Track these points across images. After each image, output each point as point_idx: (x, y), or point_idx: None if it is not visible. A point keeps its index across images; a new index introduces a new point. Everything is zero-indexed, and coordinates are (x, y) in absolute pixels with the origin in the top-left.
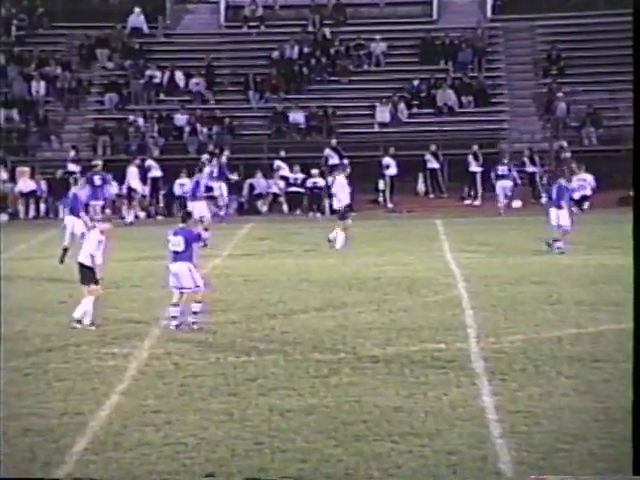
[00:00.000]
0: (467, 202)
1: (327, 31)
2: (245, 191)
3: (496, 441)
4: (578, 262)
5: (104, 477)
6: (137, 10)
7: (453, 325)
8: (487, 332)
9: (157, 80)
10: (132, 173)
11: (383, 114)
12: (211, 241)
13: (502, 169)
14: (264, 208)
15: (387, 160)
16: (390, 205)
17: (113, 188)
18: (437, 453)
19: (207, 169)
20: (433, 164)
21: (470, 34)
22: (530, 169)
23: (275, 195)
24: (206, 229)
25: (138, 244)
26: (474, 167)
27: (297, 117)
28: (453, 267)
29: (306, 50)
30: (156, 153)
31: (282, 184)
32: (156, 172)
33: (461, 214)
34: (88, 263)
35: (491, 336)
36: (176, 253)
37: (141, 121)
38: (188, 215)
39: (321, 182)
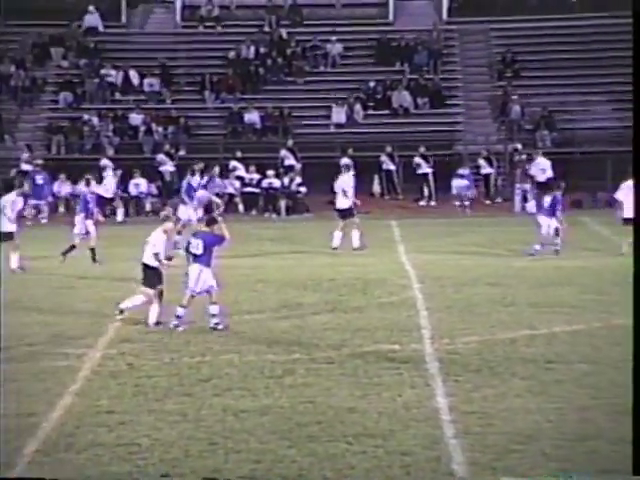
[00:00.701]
0: (422, 203)
1: (283, 32)
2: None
3: (450, 442)
4: (533, 264)
5: (57, 478)
6: (91, 8)
7: (408, 326)
8: (442, 333)
9: (112, 79)
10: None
11: (339, 115)
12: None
13: (462, 170)
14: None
15: (345, 160)
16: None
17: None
18: (391, 454)
19: (197, 178)
20: (389, 165)
21: (426, 36)
22: (486, 170)
23: (231, 195)
24: (180, 232)
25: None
26: (424, 169)
27: (253, 117)
28: (408, 268)
29: (262, 50)
30: (111, 152)
31: (238, 184)
32: (111, 171)
33: (417, 215)
34: (153, 264)
35: (445, 337)
36: (194, 255)
37: (96, 120)
38: (213, 221)
39: (276, 183)
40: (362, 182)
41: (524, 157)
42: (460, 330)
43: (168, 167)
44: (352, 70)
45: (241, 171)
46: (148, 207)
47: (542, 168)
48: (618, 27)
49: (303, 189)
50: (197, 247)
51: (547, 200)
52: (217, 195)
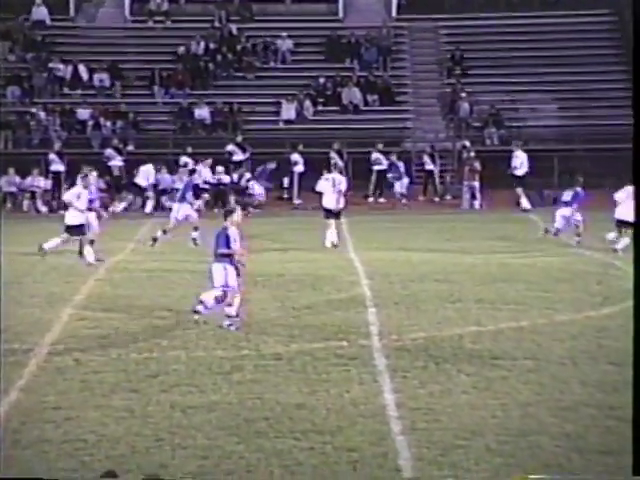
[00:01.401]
0: (371, 200)
1: (233, 27)
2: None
3: (396, 438)
4: (480, 261)
5: (2, 475)
6: (39, 1)
7: (356, 323)
8: (389, 329)
9: (60, 73)
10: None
11: (288, 111)
12: (115, 236)
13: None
14: (168, 203)
15: (295, 157)
16: (296, 202)
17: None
18: (338, 450)
19: (207, 172)
20: (337, 162)
21: (375, 33)
22: (429, 167)
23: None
24: (196, 228)
25: (41, 238)
26: (383, 165)
27: (202, 113)
28: (357, 265)
29: (212, 46)
30: (58, 147)
31: (187, 180)
32: (58, 166)
33: (365, 212)
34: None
35: (393, 333)
36: (217, 253)
37: (43, 115)
38: (230, 212)
39: (226, 178)
40: (311, 179)
41: (472, 154)
42: (408, 326)
43: (116, 162)
44: (302, 66)
45: (191, 167)
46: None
47: (521, 162)
48: (566, 26)
49: (252, 185)
50: (219, 244)
51: (567, 194)
52: (165, 191)
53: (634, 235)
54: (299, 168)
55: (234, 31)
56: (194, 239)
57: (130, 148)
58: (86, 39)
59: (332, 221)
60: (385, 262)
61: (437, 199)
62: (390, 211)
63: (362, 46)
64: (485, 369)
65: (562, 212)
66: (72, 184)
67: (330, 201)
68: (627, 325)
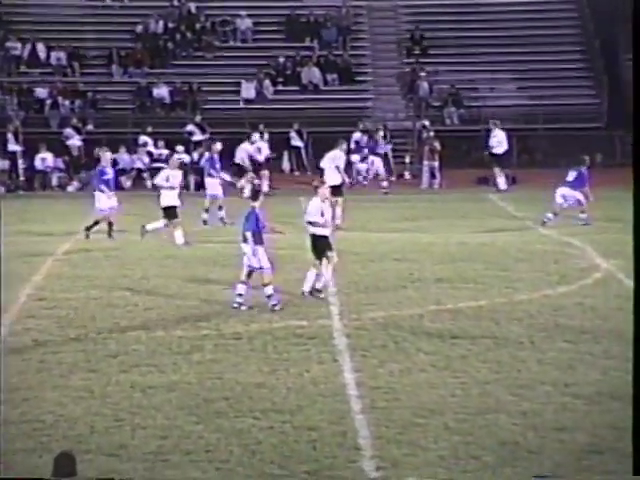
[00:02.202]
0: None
1: (192, 6)
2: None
3: (356, 417)
4: (439, 240)
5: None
6: None
7: (316, 302)
8: (349, 309)
9: (17, 52)
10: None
11: (248, 91)
12: (73, 217)
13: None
14: (127, 183)
15: (255, 137)
16: (257, 182)
17: None
18: (297, 429)
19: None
20: (297, 142)
21: (335, 12)
22: (383, 147)
23: (139, 170)
24: (220, 207)
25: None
26: (297, 142)
27: (161, 92)
28: None
29: (171, 25)
30: (14, 126)
31: (146, 159)
32: (14, 146)
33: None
34: (319, 232)
35: (353, 313)
36: (246, 234)
37: (0, 94)
38: (257, 194)
39: (186, 158)
40: (272, 158)
41: (432, 134)
42: (367, 306)
43: (75, 141)
44: (261, 45)
45: (150, 146)
46: (55, 182)
47: (499, 140)
48: (524, 6)
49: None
50: (247, 225)
51: (572, 174)
52: (124, 171)
53: (634, 234)
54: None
55: (193, 10)
56: (221, 218)
57: (89, 127)
58: (43, 17)
59: (336, 198)
60: (344, 241)
61: (393, 179)
62: (349, 191)
63: (322, 25)
64: (444, 348)
65: (561, 191)
66: (31, 164)
67: (334, 178)
68: (583, 303)
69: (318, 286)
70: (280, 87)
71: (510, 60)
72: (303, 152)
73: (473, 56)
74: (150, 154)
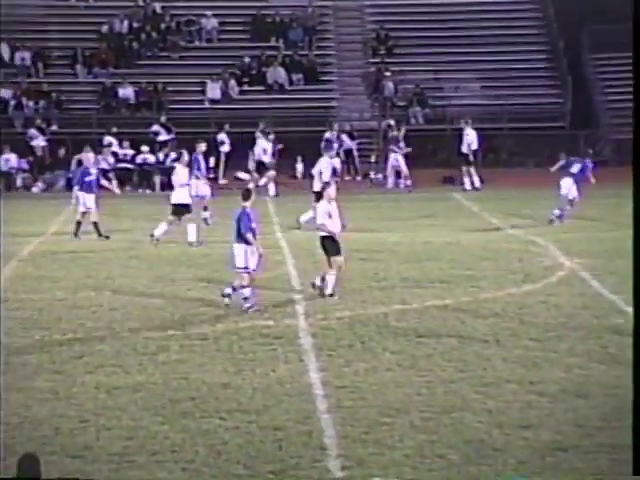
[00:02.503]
0: (347, 178)
1: (157, 6)
2: (73, 166)
3: (322, 416)
4: (404, 239)
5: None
6: None
7: (282, 302)
8: (315, 309)
9: None
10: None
11: (214, 91)
12: (39, 218)
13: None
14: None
15: (221, 136)
16: (222, 181)
17: None
18: (263, 429)
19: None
20: (263, 142)
21: (301, 12)
22: (348, 145)
23: (104, 171)
24: (205, 207)
25: None
26: (348, 144)
27: (126, 92)
28: (283, 244)
29: (136, 25)
30: None
31: (112, 160)
32: None
33: (292, 191)
34: (326, 234)
35: (319, 313)
36: (239, 234)
37: None
38: (249, 193)
39: (151, 158)
40: (238, 158)
41: (397, 133)
42: (333, 305)
43: (40, 142)
44: (227, 45)
45: (115, 147)
46: (19, 182)
47: (471, 139)
48: (488, 6)
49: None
50: (240, 225)
51: (576, 166)
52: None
53: (634, 234)
54: (225, 148)
55: (158, 9)
56: (205, 219)
57: (53, 128)
58: (7, 17)
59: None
60: (311, 241)
61: (359, 178)
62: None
63: (287, 25)
64: (410, 347)
65: (564, 182)
66: None
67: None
68: (547, 301)
69: (327, 290)
70: (246, 87)
71: (475, 60)
72: (269, 151)
73: (438, 55)
74: (115, 154)
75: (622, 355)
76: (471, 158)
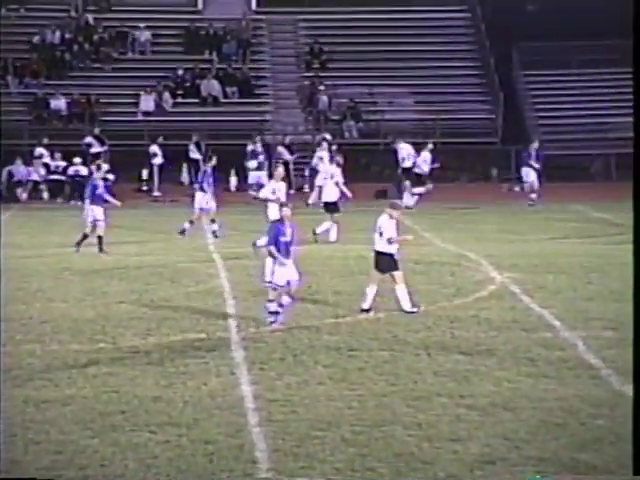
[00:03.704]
0: (233, 191)
1: (90, 17)
2: (4, 178)
3: (253, 430)
4: (338, 253)
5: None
6: None
7: (214, 315)
8: (248, 322)
9: None
10: None
11: (147, 103)
12: None
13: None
14: (24, 196)
15: (154, 148)
16: (156, 194)
17: None
18: (194, 442)
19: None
20: (195, 154)
21: (235, 25)
22: (286, 157)
23: (35, 182)
24: (213, 220)
25: None
26: (286, 157)
27: (58, 104)
28: (216, 257)
29: (68, 36)
30: None
31: (43, 171)
32: None
33: (225, 204)
34: (386, 250)
35: (251, 326)
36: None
37: None
38: (282, 205)
39: (83, 170)
40: (171, 171)
41: (334, 147)
42: (266, 318)
43: None
44: (161, 58)
45: (46, 158)
46: None
47: (407, 153)
48: (422, 21)
49: (110, 177)
50: (272, 238)
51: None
52: (20, 183)
53: (634, 233)
54: (158, 160)
55: (91, 21)
56: (214, 231)
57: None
58: None
59: (333, 215)
60: (243, 254)
61: (292, 191)
62: (249, 203)
63: (221, 38)
64: (342, 360)
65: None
66: None
67: (330, 194)
68: (478, 315)
69: (364, 306)
70: (179, 99)
71: (408, 75)
72: (201, 165)
73: (372, 70)
74: (47, 166)
75: (550, 369)
76: (410, 172)
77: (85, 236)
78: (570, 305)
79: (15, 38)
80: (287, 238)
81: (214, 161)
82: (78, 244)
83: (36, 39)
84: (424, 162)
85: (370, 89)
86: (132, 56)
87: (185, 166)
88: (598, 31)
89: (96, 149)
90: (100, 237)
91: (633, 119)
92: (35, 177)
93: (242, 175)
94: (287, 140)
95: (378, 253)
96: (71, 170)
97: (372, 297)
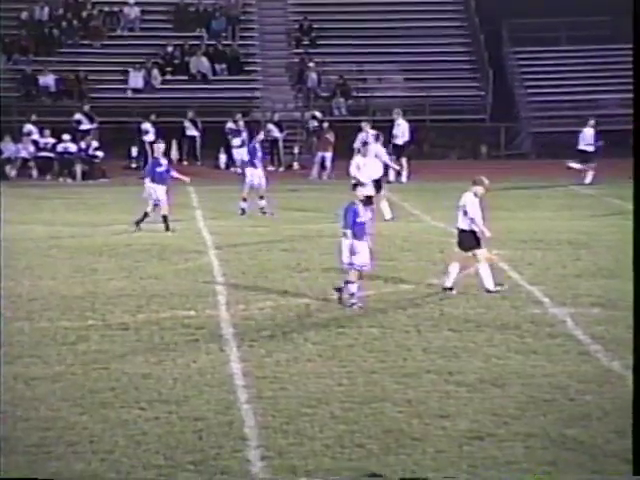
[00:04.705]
0: (271, 169)
1: None
2: None
3: (242, 406)
4: (327, 230)
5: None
6: None
7: (204, 292)
8: (237, 299)
9: None
10: None
11: (136, 80)
12: None
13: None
14: (12, 173)
15: (145, 126)
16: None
17: None
18: (184, 419)
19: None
20: (192, 131)
21: (224, 2)
22: (275, 135)
23: (24, 160)
24: (262, 197)
25: None
26: (276, 134)
27: (47, 80)
28: (205, 234)
29: (57, 12)
30: None
31: (32, 149)
32: None
33: (215, 182)
34: (469, 228)
35: (241, 303)
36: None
37: None
38: (355, 186)
39: (72, 147)
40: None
41: (326, 125)
42: (255, 296)
43: None
44: (150, 34)
45: (35, 135)
46: None
47: (402, 131)
48: None
49: (100, 154)
50: (347, 220)
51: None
52: (9, 160)
53: (634, 230)
54: (149, 137)
55: None
56: (262, 208)
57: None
58: None
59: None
60: (233, 232)
61: (282, 169)
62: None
63: (211, 15)
64: (331, 337)
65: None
66: None
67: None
68: (466, 292)
69: (447, 284)
70: (168, 77)
71: (398, 52)
72: (198, 142)
73: (361, 47)
74: (36, 143)
75: (539, 345)
76: (404, 149)
77: (146, 215)
78: (559, 282)
79: (3, 14)
80: (363, 219)
81: (261, 136)
82: (137, 223)
83: (24, 15)
84: (588, 139)
85: (359, 66)
86: (121, 33)
87: (175, 143)
88: (588, 7)
89: (85, 126)
90: (165, 217)
91: (633, 118)
92: (24, 154)
93: (231, 152)
94: (276, 117)
95: (461, 231)
96: (60, 147)
97: (455, 275)
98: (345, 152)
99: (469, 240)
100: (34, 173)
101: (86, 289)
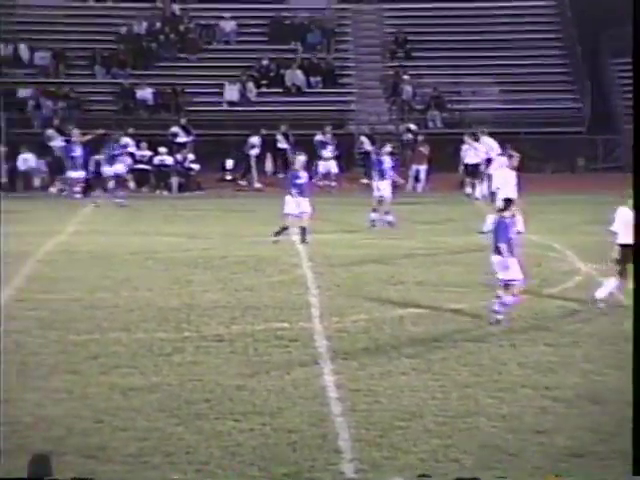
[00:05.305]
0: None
1: (176, 8)
2: (91, 167)
3: (336, 419)
4: (420, 244)
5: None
6: None
7: (297, 304)
8: (331, 312)
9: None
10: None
11: (232, 93)
12: (55, 217)
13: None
14: (111, 184)
15: (253, 140)
16: (257, 185)
17: None
18: (278, 431)
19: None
20: (283, 144)
21: (319, 15)
22: (367, 148)
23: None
24: (387, 212)
25: None
26: (367, 147)
27: (145, 94)
28: (299, 247)
29: (154, 26)
30: None
31: (129, 161)
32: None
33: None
34: (623, 241)
35: (334, 316)
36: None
37: None
38: (509, 202)
39: (169, 160)
40: (256, 161)
41: (421, 138)
42: (349, 308)
43: (58, 142)
44: (245, 48)
45: (132, 148)
46: (37, 183)
47: (490, 147)
48: (507, 10)
49: (195, 166)
50: (498, 236)
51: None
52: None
53: (635, 234)
54: (255, 151)
55: (177, 11)
56: (389, 222)
57: (72, 129)
58: (27, 18)
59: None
60: (326, 244)
61: (366, 180)
62: (329, 193)
63: (306, 28)
64: (425, 351)
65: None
66: (13, 165)
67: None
68: (564, 306)
69: (599, 295)
70: (263, 89)
71: (493, 64)
72: (289, 154)
73: (456, 59)
74: (132, 155)
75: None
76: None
77: (285, 228)
78: None
79: (102, 29)
80: (511, 235)
81: (388, 148)
82: (277, 234)
83: (123, 30)
84: None
85: (454, 78)
86: (217, 46)
87: (269, 155)
88: None
89: (182, 139)
90: (304, 228)
91: (633, 118)
92: (120, 167)
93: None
94: (368, 130)
95: (623, 246)
96: (156, 160)
97: (610, 289)
98: (440, 164)
99: (628, 255)
100: (131, 185)
101: (182, 301)
